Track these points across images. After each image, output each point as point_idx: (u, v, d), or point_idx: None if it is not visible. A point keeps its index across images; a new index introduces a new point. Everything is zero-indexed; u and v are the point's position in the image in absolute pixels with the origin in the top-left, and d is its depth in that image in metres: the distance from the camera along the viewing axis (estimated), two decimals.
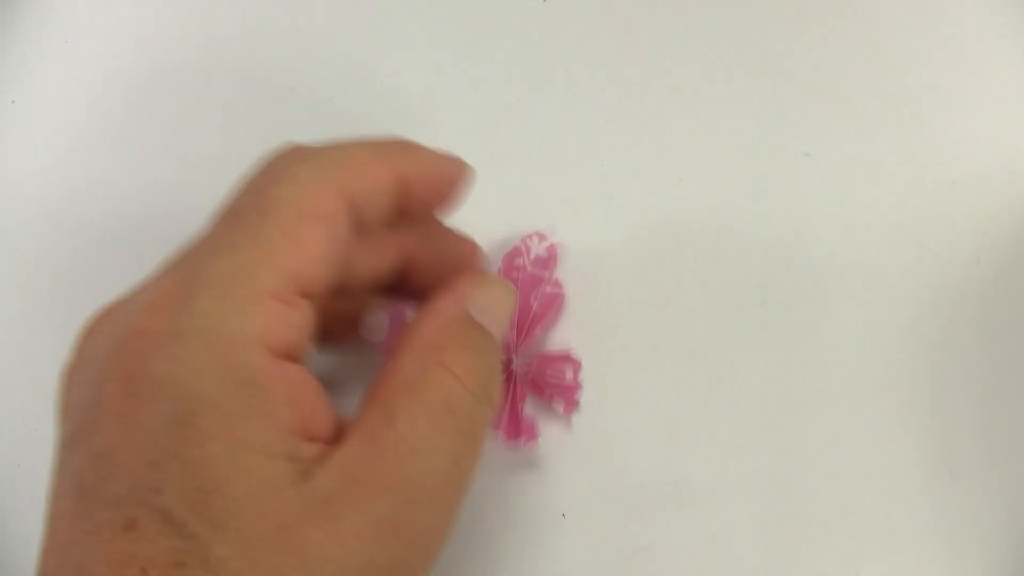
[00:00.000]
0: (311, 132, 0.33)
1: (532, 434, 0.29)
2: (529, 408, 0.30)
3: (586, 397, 0.30)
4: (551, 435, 0.30)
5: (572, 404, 0.29)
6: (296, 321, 0.19)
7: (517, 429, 0.29)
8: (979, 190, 0.32)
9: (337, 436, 0.19)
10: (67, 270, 0.32)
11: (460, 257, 0.26)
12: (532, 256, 0.31)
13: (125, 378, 0.17)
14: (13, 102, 0.34)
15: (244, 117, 0.34)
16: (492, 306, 0.22)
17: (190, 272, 0.19)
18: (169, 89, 0.34)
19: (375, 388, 0.20)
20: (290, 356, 0.19)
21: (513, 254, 0.31)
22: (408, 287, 0.25)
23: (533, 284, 0.30)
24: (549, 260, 0.31)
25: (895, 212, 0.32)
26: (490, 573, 0.29)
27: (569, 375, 0.29)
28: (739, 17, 0.34)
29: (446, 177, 0.23)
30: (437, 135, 0.33)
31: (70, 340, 0.32)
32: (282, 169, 0.20)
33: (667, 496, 0.29)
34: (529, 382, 0.30)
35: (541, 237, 0.31)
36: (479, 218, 0.32)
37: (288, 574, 0.16)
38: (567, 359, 0.30)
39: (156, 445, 0.16)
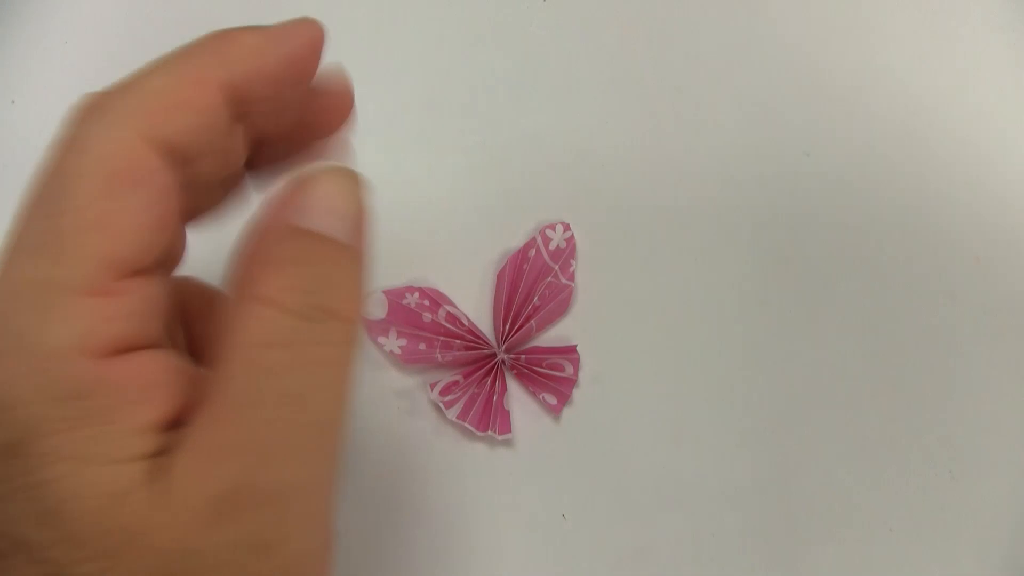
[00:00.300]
0: None
1: (505, 428, 0.29)
2: (516, 402, 0.30)
3: (586, 396, 0.30)
4: (551, 435, 0.30)
5: (564, 399, 0.29)
6: (125, 309, 0.17)
7: (487, 421, 0.29)
8: (979, 190, 0.32)
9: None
10: None
11: (332, 111, 0.22)
12: (552, 247, 0.31)
13: None
14: (13, 102, 0.34)
15: None
16: (327, 200, 0.18)
17: None
18: None
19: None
20: (129, 347, 0.17)
21: (527, 246, 0.31)
22: (271, 158, 0.21)
23: (540, 275, 0.30)
24: (566, 251, 0.31)
25: (895, 212, 0.32)
26: (491, 573, 0.29)
27: (569, 370, 0.29)
28: (739, 17, 0.34)
29: (291, 57, 0.19)
30: (437, 134, 0.33)
31: None
32: (78, 134, 0.17)
33: (667, 496, 0.29)
34: (517, 374, 0.30)
35: (564, 227, 0.31)
36: (478, 218, 0.32)
37: None
38: (568, 352, 0.30)
39: (3, 477, 0.16)
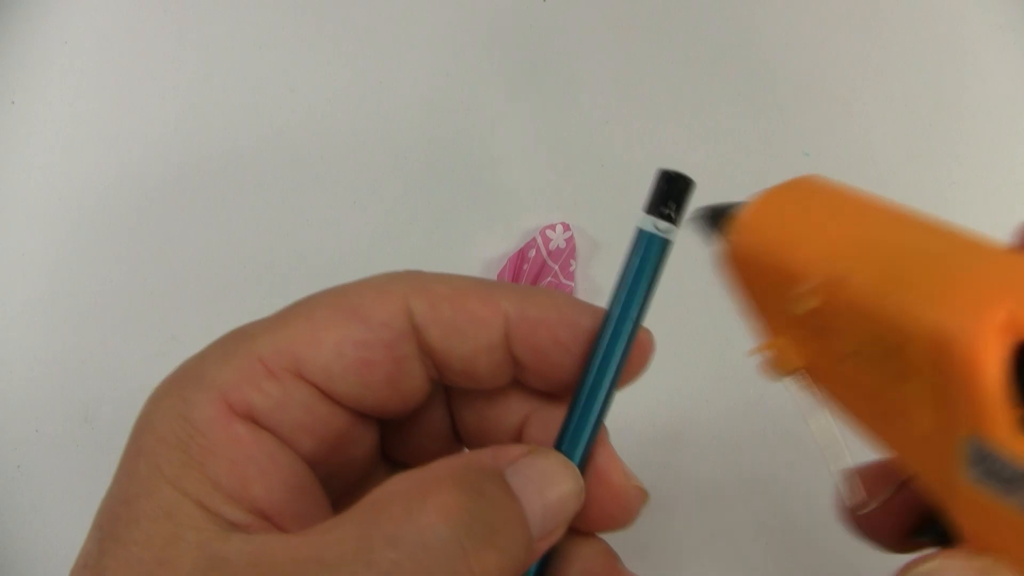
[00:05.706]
0: (311, 131, 0.33)
1: None
2: None
3: None
4: None
5: None
6: (274, 392, 0.18)
7: None
8: (978, 189, 0.32)
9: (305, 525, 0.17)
10: (66, 268, 0.32)
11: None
12: (552, 247, 0.31)
13: None
14: (13, 102, 0.34)
15: (239, 110, 0.34)
16: (536, 476, 0.18)
17: (236, 335, 0.19)
18: (167, 88, 0.34)
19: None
20: (255, 420, 0.18)
21: (527, 246, 0.31)
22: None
23: (540, 275, 0.30)
24: (565, 251, 0.31)
25: None
26: None
27: None
28: (739, 18, 0.34)
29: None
30: (437, 135, 0.33)
31: (69, 338, 0.32)
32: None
33: (667, 496, 0.29)
34: None
35: (564, 227, 0.31)
36: (479, 218, 0.32)
37: None
38: None
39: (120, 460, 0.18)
